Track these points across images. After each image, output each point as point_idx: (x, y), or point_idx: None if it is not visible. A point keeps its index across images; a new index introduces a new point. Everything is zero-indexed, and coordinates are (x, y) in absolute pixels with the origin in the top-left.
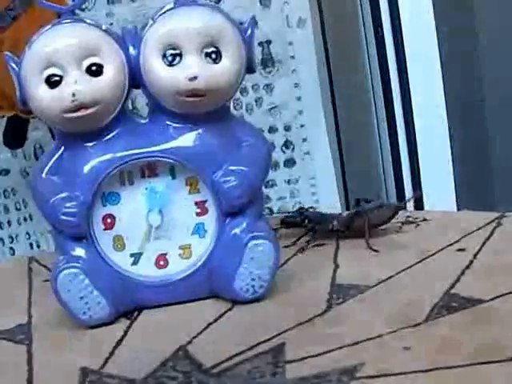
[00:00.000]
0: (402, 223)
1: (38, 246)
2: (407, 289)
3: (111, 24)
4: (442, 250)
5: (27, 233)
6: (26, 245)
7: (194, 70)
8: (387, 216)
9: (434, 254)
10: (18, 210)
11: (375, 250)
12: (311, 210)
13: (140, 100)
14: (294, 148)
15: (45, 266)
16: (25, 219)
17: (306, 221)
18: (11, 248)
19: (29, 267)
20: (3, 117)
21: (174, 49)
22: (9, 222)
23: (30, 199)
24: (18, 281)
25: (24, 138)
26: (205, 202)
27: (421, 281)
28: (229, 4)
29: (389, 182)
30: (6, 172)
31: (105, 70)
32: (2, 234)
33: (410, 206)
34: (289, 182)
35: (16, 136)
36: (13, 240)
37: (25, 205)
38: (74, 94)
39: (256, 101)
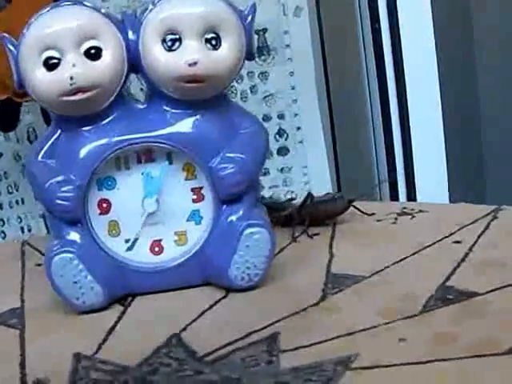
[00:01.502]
0: (398, 214)
1: (29, 230)
2: (402, 280)
3: (107, 8)
4: (437, 242)
5: (19, 217)
6: (17, 228)
7: (193, 55)
8: (340, 208)
9: (429, 246)
10: (9, 193)
11: (311, 237)
12: (270, 198)
13: (135, 85)
14: (287, 136)
15: (38, 250)
16: (17, 202)
17: None
18: (2, 231)
19: (21, 250)
20: None
21: (173, 34)
22: (0, 206)
23: (22, 183)
24: (11, 264)
25: (16, 121)
26: (201, 188)
27: (416, 272)
28: None
29: (382, 173)
30: None
31: (104, 53)
32: None
33: (403, 197)
34: (282, 170)
35: (8, 119)
36: (4, 223)
37: (17, 188)
38: (71, 78)
39: (251, 88)
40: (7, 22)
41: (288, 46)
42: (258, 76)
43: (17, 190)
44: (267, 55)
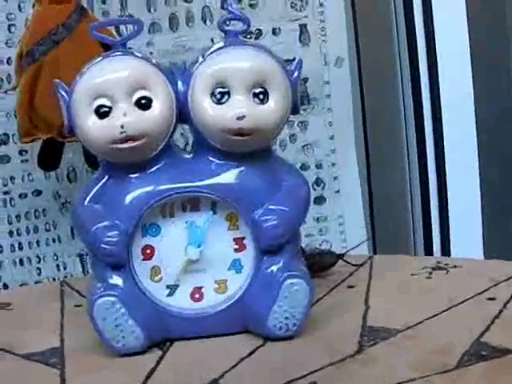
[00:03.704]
0: (433, 269)
1: (65, 268)
2: (437, 335)
3: (151, 53)
4: (471, 297)
5: (55, 254)
6: (52, 266)
7: (241, 109)
8: (328, 263)
9: (463, 302)
10: (47, 230)
11: None
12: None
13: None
14: (324, 186)
15: (77, 291)
16: (53, 240)
17: None
18: (38, 268)
19: (60, 290)
20: (39, 139)
21: (222, 87)
22: (37, 242)
23: (60, 221)
24: (50, 304)
25: (59, 160)
26: (243, 238)
27: (450, 328)
28: (269, 40)
29: (417, 226)
30: (39, 193)
31: (153, 103)
32: (29, 254)
33: (438, 252)
34: (317, 219)
35: (51, 158)
36: (40, 260)
37: (54, 226)
38: (122, 126)
39: (290, 137)
40: (52, 65)
41: (328, 96)
42: (298, 125)
43: (54, 228)
44: (307, 105)
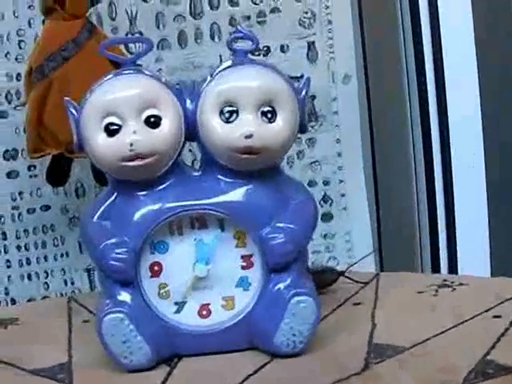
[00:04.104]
0: (439, 286)
1: (73, 283)
2: (443, 353)
3: (160, 69)
4: (477, 315)
5: (62, 269)
6: (60, 281)
7: (250, 128)
8: (330, 279)
9: (469, 320)
10: (55, 246)
11: None
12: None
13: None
14: (331, 203)
15: (84, 307)
16: (61, 255)
17: None
18: (46, 283)
19: (68, 306)
20: (49, 154)
21: (231, 106)
22: (45, 258)
23: (68, 236)
24: (58, 319)
25: (67, 176)
26: (251, 256)
27: (456, 345)
28: (277, 57)
29: (424, 243)
30: (47, 208)
31: (163, 122)
32: (37, 269)
33: (445, 269)
34: (325, 236)
35: (59, 174)
36: (48, 275)
37: (62, 241)
38: (131, 144)
39: (297, 154)
40: (63, 80)
41: (336, 113)
42: (305, 142)
43: (62, 243)
44: (315, 121)
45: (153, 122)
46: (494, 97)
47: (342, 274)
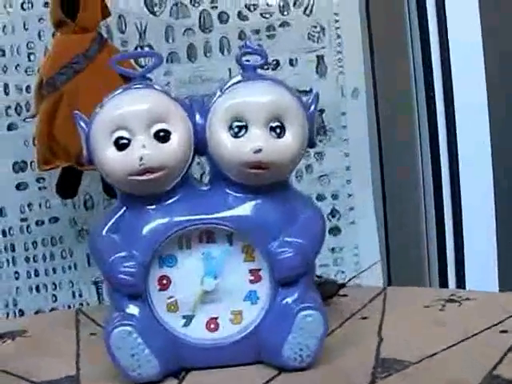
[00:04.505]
0: (446, 301)
1: (80, 295)
2: (450, 367)
3: (168, 83)
4: (484, 330)
5: (70, 281)
6: (68, 293)
7: (259, 143)
8: (330, 292)
9: (476, 334)
10: (63, 258)
11: None
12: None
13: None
14: (340, 217)
15: (92, 320)
16: (69, 267)
17: None
18: (54, 295)
19: (76, 319)
20: (58, 167)
21: (240, 121)
22: (54, 270)
23: (76, 248)
24: (66, 332)
25: (76, 188)
26: (259, 270)
27: (463, 360)
28: (286, 71)
29: (432, 257)
30: (55, 220)
31: (172, 136)
32: (45, 281)
33: (453, 284)
34: (333, 250)
35: (69, 186)
36: (56, 287)
37: (70, 253)
38: (141, 158)
39: (306, 168)
40: (74, 93)
41: (344, 127)
42: (314, 156)
43: (70, 256)
44: (324, 135)
45: (162, 137)
46: (504, 126)
47: (342, 286)
